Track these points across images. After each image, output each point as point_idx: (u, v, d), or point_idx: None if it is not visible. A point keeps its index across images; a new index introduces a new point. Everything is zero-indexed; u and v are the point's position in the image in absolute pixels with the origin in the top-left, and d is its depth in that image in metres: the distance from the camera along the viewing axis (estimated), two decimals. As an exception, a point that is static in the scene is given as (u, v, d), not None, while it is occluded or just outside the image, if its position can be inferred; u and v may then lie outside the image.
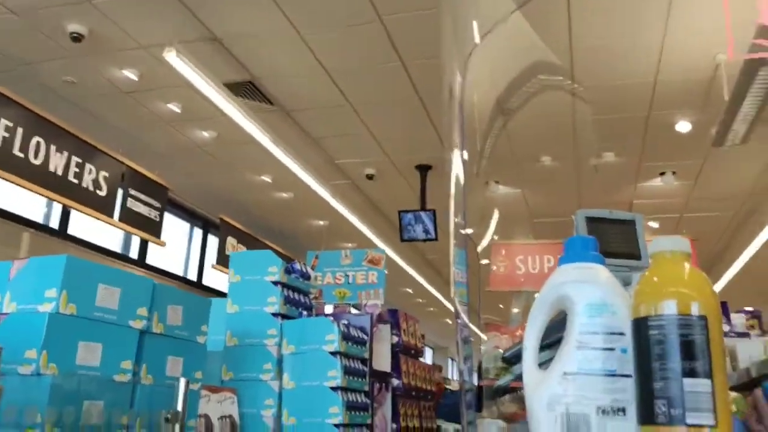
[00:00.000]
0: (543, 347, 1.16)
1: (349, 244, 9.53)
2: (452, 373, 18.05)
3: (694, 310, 0.75)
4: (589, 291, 0.91)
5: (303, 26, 4.96)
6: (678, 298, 0.76)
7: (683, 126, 6.11)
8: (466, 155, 1.71)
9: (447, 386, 10.24)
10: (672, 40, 4.85)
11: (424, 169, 7.36)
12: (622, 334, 0.87)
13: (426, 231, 7.19)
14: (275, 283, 3.65)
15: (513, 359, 1.33)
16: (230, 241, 8.43)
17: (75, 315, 2.24)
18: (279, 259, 3.72)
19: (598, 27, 4.79)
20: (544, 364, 0.96)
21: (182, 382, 2.28)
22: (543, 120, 5.48)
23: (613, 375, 0.86)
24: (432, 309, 14.08)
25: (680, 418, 0.72)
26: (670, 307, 0.76)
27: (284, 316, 3.61)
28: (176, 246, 8.97)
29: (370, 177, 7.75)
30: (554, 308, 0.96)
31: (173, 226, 8.76)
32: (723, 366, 0.74)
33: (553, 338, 1.01)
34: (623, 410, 0.84)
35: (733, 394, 1.52)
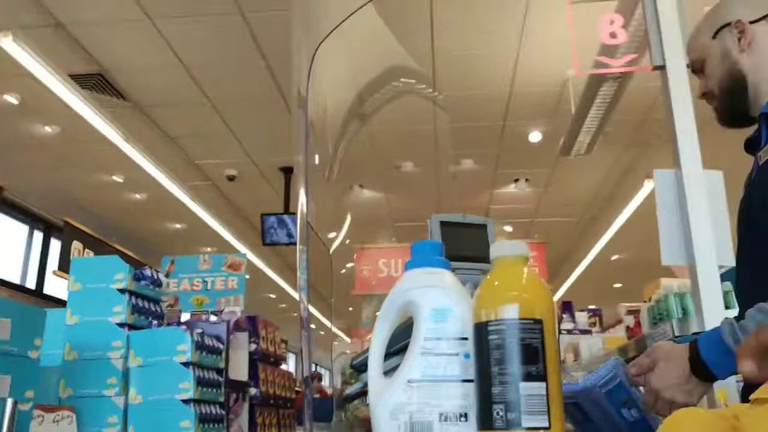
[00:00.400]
0: (391, 354, 1.13)
1: (209, 249, 9.19)
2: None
3: (531, 313, 0.75)
4: (434, 296, 0.89)
5: (158, 16, 4.69)
6: (517, 302, 0.76)
7: (535, 136, 6.48)
8: (317, 159, 1.66)
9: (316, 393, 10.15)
10: (526, 55, 5.11)
11: (287, 171, 7.25)
12: (465, 339, 0.85)
13: (289, 235, 7.08)
14: (122, 290, 3.38)
15: (361, 367, 1.29)
16: (76, 245, 7.81)
17: None
18: (126, 264, 3.45)
19: (458, 38, 4.94)
20: (391, 372, 0.93)
21: (9, 402, 2.04)
22: (405, 126, 5.58)
23: (456, 381, 0.84)
24: (296, 314, 13.90)
25: (517, 422, 0.72)
26: (508, 312, 0.76)
27: (131, 327, 3.36)
28: (14, 251, 8.19)
29: (231, 178, 7.51)
30: (401, 314, 0.94)
31: (10, 229, 8.00)
32: (557, 368, 0.75)
33: (401, 345, 0.98)
34: (465, 416, 0.82)
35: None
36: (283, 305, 13.37)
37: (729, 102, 1.42)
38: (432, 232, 1.88)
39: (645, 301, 2.87)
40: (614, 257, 10.04)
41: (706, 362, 1.14)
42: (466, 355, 0.85)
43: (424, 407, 0.83)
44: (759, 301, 1.13)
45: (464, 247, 1.90)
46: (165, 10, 4.65)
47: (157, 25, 4.78)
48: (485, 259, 1.99)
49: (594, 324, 4.87)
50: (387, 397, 0.86)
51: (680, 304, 2.53)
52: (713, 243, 2.02)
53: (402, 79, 2.54)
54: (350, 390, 1.37)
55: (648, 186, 6.72)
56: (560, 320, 4.71)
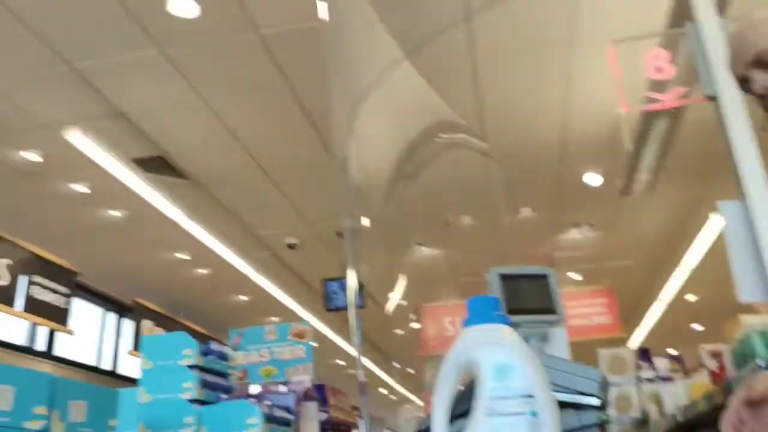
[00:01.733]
0: (458, 416, 1.08)
1: (275, 318, 9.27)
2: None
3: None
4: (494, 353, 0.85)
5: (210, 96, 4.89)
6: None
7: (593, 178, 6.35)
8: (368, 221, 1.66)
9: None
10: (574, 98, 5.07)
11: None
12: (531, 396, 0.81)
13: (351, 299, 7.07)
14: (191, 366, 3.42)
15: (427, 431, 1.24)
16: (146, 324, 8.02)
17: (-42, 422, 2.00)
18: (194, 340, 3.51)
19: (504, 91, 4.95)
20: (458, 434, 0.89)
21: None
22: (457, 180, 5.57)
23: (525, 441, 0.79)
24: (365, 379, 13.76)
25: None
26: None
27: (202, 402, 3.38)
28: (88, 333, 8.45)
29: (291, 246, 7.61)
30: (461, 374, 0.90)
31: (84, 312, 8.28)
32: None
33: (467, 406, 0.94)
34: (537, 478, 0.78)
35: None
36: (352, 371, 13.26)
37: None
38: (492, 286, 1.84)
39: (726, 342, 2.70)
40: (691, 298, 9.60)
41: None
42: (533, 413, 0.80)
43: (495, 470, 0.79)
44: None
45: (527, 299, 1.85)
46: (216, 90, 4.85)
47: (210, 104, 4.99)
48: (549, 310, 1.92)
49: (676, 370, 4.61)
50: (455, 463, 0.82)
51: (764, 342, 2.37)
52: (793, 274, 1.90)
53: (448, 135, 2.54)
54: (421, 425, 1.31)
55: (715, 221, 6.46)
56: (638, 368, 4.48)
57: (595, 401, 1.31)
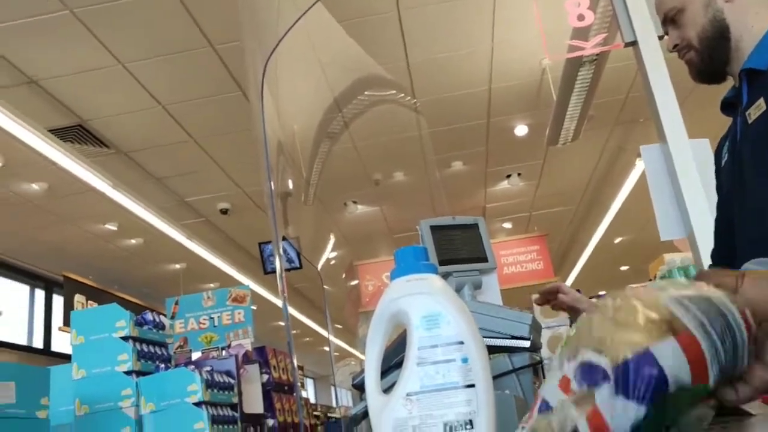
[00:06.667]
0: (392, 368, 1.09)
1: (212, 285, 9.14)
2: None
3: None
4: (423, 303, 0.85)
5: (129, 60, 4.68)
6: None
7: (521, 129, 6.46)
8: (290, 184, 1.63)
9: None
10: (499, 51, 5.10)
11: (282, 197, 7.21)
12: (461, 343, 0.82)
13: (290, 260, 7.03)
14: (125, 338, 3.35)
15: (362, 386, 1.24)
16: (78, 298, 7.76)
17: None
18: (126, 311, 3.43)
19: (429, 43, 4.93)
20: (391, 388, 0.89)
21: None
22: (388, 137, 5.56)
23: (456, 388, 0.80)
24: (308, 339, 13.85)
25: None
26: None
27: (139, 373, 3.33)
28: (17, 312, 8.13)
29: (224, 212, 7.48)
30: (392, 324, 0.90)
31: (11, 291, 7.95)
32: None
33: (400, 357, 0.95)
34: (470, 423, 0.79)
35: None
36: (295, 331, 13.30)
37: (709, 54, 1.37)
38: (423, 238, 1.85)
39: (650, 280, 2.83)
40: (617, 240, 10.00)
41: None
42: (464, 360, 0.81)
43: (427, 419, 0.80)
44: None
45: (458, 249, 1.87)
46: (135, 54, 4.64)
47: (129, 69, 4.77)
48: (480, 258, 1.95)
49: (604, 309, 4.82)
50: (387, 414, 0.83)
51: (685, 277, 2.50)
52: (708, 211, 1.99)
53: (376, 92, 2.51)
54: (354, 410, 1.33)
55: (640, 165, 6.70)
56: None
57: (525, 344, 1.34)
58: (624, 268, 11.72)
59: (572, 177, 7.83)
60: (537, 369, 1.89)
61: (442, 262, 1.79)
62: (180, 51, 4.68)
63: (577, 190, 8.26)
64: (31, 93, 4.88)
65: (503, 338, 1.35)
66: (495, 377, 1.20)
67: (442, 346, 0.82)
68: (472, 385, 0.80)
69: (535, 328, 1.41)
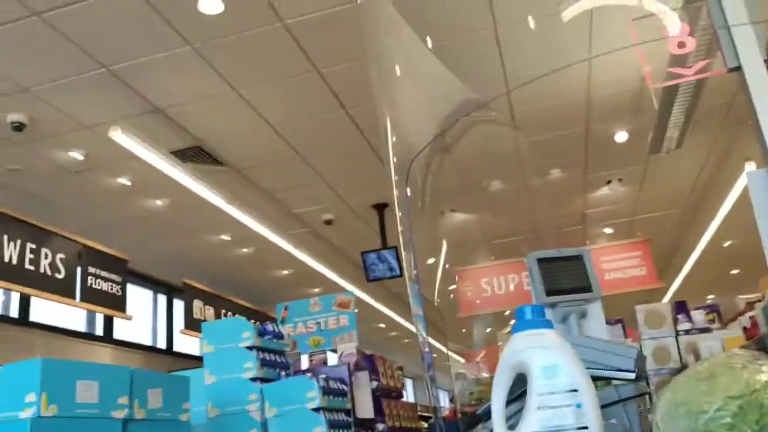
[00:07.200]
0: (510, 401, 1.26)
1: (317, 290, 9.55)
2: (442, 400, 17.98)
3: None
4: (541, 355, 1.01)
5: (241, 86, 5.05)
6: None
7: (621, 136, 6.38)
8: (408, 192, 1.81)
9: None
10: (597, 61, 5.10)
11: (380, 208, 7.47)
12: (575, 390, 0.97)
13: (390, 268, 7.28)
14: (250, 348, 3.68)
15: (484, 416, 1.42)
16: (197, 303, 8.36)
17: (56, 416, 2.26)
18: (250, 324, 3.76)
19: (528, 58, 5.00)
20: (513, 417, 1.06)
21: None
22: (487, 149, 5.66)
23: (572, 429, 0.96)
24: (406, 340, 14.11)
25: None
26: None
27: (263, 380, 3.64)
28: (142, 316, 8.85)
29: (328, 222, 7.82)
30: (515, 373, 1.06)
31: (137, 296, 8.66)
32: None
33: (518, 392, 1.11)
34: (583, 457, 0.94)
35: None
36: (394, 333, 13.59)
37: None
38: (531, 270, 1.99)
39: (759, 300, 2.82)
40: (726, 243, 9.60)
41: None
42: (578, 405, 0.97)
43: (547, 455, 0.96)
44: None
45: (564, 280, 2.00)
46: (247, 80, 5.00)
47: (242, 94, 5.15)
48: (585, 288, 2.08)
49: (713, 320, 4.73)
50: (513, 449, 0.99)
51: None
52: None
53: (475, 113, 2.66)
54: (480, 410, 1.47)
55: (749, 167, 6.46)
56: (675, 321, 4.62)
57: (630, 376, 1.46)
58: (735, 271, 11.21)
59: (676, 182, 7.63)
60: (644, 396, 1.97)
61: (549, 293, 1.92)
62: (288, 76, 5.01)
63: (681, 194, 8.02)
64: (155, 120, 5.35)
65: (610, 371, 1.47)
66: (602, 407, 1.33)
67: (558, 393, 0.98)
68: (585, 428, 0.95)
69: (641, 359, 1.53)
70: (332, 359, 5.98)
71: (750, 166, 6.28)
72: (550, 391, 0.99)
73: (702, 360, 0.73)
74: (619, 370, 1.49)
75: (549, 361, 1.00)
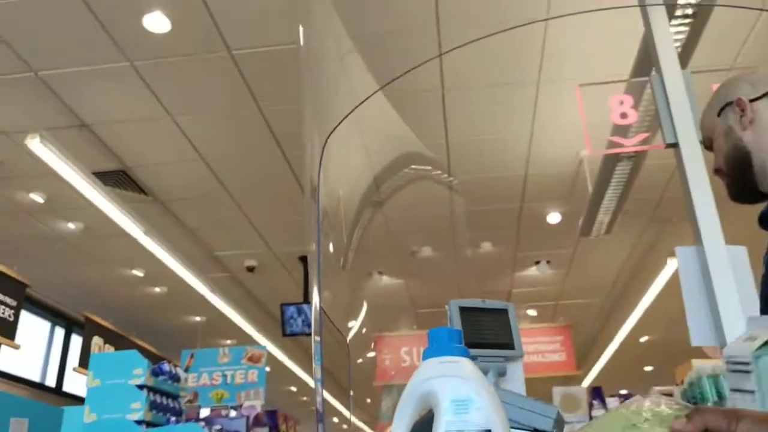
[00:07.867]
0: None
1: (228, 341, 9.11)
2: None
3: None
4: (454, 386, 0.85)
5: (178, 112, 4.86)
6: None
7: (553, 217, 6.46)
8: (331, 248, 1.65)
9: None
10: (538, 138, 5.18)
11: (306, 260, 7.26)
12: (489, 431, 0.81)
13: (309, 324, 7.01)
14: (140, 386, 3.34)
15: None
16: (96, 341, 7.78)
17: None
18: (144, 359, 3.43)
19: (471, 124, 5.03)
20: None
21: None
22: (421, 212, 5.60)
23: (481, 477, 0.79)
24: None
25: None
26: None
27: (149, 424, 3.29)
28: (34, 348, 8.17)
29: (250, 269, 7.53)
30: (421, 405, 0.90)
31: (32, 325, 8.02)
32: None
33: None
34: None
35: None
36: (305, 398, 13.09)
37: (736, 178, 1.43)
38: (451, 319, 1.84)
39: (677, 384, 2.75)
40: (643, 339, 9.77)
41: None
42: (491, 448, 0.80)
43: (449, 506, 0.78)
44: None
45: (485, 333, 1.85)
46: (185, 107, 4.81)
47: (177, 121, 4.94)
48: (507, 345, 1.93)
49: (627, 409, 4.66)
50: (410, 497, 0.81)
51: (714, 387, 2.41)
52: (743, 321, 1.94)
53: (415, 166, 2.56)
54: None
55: (672, 264, 6.62)
56: (591, 407, 4.53)
57: (548, 438, 1.31)
58: (648, 368, 11.39)
59: (602, 269, 7.75)
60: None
61: (468, 345, 1.76)
62: (228, 109, 4.85)
63: (605, 283, 8.15)
64: (80, 135, 5.06)
65: (526, 430, 1.32)
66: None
67: (469, 432, 0.81)
68: (498, 475, 0.78)
69: (559, 422, 1.38)
70: (234, 417, 5.60)
71: (673, 263, 6.43)
72: (459, 429, 0.82)
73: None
74: (536, 430, 1.34)
75: (461, 394, 0.84)
